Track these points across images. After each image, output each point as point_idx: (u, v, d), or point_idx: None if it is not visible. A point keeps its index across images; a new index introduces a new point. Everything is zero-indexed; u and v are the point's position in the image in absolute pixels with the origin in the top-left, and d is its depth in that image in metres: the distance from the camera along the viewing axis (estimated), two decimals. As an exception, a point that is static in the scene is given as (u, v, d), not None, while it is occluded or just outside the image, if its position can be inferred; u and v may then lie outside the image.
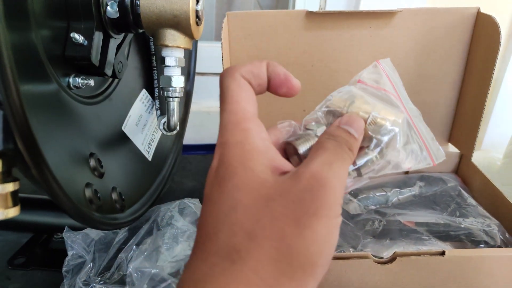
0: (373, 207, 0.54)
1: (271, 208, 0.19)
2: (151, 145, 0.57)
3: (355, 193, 0.55)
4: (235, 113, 0.22)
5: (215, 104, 0.91)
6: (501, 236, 0.46)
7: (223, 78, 0.23)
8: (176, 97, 0.43)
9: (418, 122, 0.25)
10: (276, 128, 0.25)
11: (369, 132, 0.22)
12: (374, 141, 0.22)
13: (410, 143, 0.23)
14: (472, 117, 0.59)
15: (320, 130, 0.24)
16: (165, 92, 0.43)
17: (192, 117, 1.00)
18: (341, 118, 0.22)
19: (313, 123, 0.24)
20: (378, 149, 0.22)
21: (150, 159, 0.56)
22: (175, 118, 0.45)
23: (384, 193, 0.55)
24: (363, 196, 0.55)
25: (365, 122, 0.22)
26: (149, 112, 0.58)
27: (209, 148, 0.89)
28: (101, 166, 0.41)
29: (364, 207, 0.54)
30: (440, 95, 0.63)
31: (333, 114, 0.23)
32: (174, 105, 0.44)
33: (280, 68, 0.24)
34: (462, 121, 0.62)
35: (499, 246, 0.45)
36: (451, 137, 0.65)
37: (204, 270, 0.18)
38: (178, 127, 0.47)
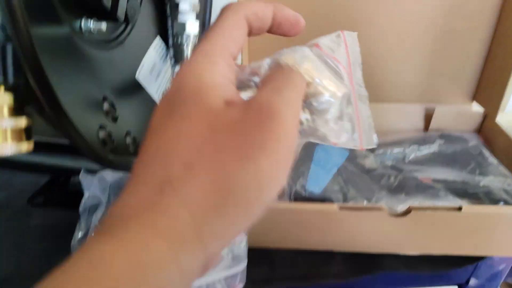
0: (389, 162, 0.53)
1: (215, 139, 0.18)
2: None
3: (371, 149, 0.54)
4: (213, 44, 0.20)
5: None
6: (521, 195, 0.45)
7: (226, 10, 0.21)
8: (191, 44, 0.42)
9: (362, 103, 0.24)
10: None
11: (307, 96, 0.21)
12: (309, 104, 0.22)
13: (343, 120, 0.22)
14: (500, 76, 0.56)
15: None
16: (179, 39, 0.42)
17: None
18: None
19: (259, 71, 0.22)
20: (308, 114, 0.21)
21: (164, 108, 0.56)
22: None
23: (402, 149, 0.54)
24: (380, 152, 0.54)
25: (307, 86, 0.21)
26: (164, 60, 0.57)
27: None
28: (115, 110, 0.41)
29: (380, 163, 0.53)
30: (468, 52, 0.59)
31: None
32: (188, 52, 0.43)
33: (288, 11, 0.22)
34: (489, 79, 0.59)
35: (519, 204, 0.44)
36: (476, 95, 0.63)
37: (133, 204, 0.17)
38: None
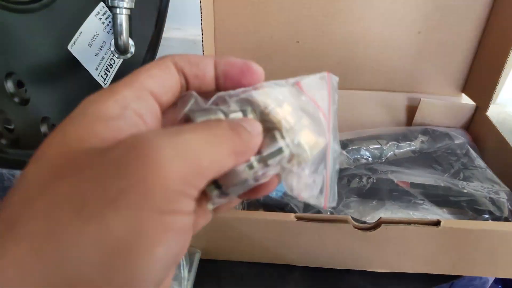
0: (364, 161, 0.47)
1: (54, 190, 0.12)
2: (108, 71, 0.48)
3: (344, 144, 0.47)
4: (126, 79, 0.16)
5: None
6: (510, 207, 0.39)
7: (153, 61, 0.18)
8: (125, 8, 0.34)
9: (332, 155, 0.21)
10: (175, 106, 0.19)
11: (283, 135, 0.18)
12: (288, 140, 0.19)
13: (316, 174, 0.20)
14: (493, 64, 0.49)
15: (235, 116, 0.18)
16: (110, 1, 0.34)
17: (175, 46, 0.89)
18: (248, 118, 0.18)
19: (231, 104, 0.18)
20: (289, 142, 0.18)
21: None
22: (124, 36, 0.36)
23: (379, 146, 0.47)
24: (354, 147, 0.47)
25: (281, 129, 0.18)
26: (109, 31, 0.48)
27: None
28: (25, 90, 0.33)
29: (353, 161, 0.46)
30: (460, 35, 0.52)
31: (252, 106, 0.19)
32: (122, 18, 0.35)
33: (233, 58, 0.19)
34: (481, 68, 0.52)
35: (506, 218, 0.38)
36: (466, 87, 0.56)
37: None
38: (131, 49, 0.38)
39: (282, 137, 0.18)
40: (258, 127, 0.17)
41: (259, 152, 0.18)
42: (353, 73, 0.55)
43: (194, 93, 0.19)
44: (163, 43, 0.94)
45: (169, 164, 0.13)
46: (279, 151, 0.18)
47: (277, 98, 0.19)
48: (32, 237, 0.12)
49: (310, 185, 0.20)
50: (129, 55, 0.40)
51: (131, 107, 0.15)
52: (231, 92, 0.19)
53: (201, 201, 0.18)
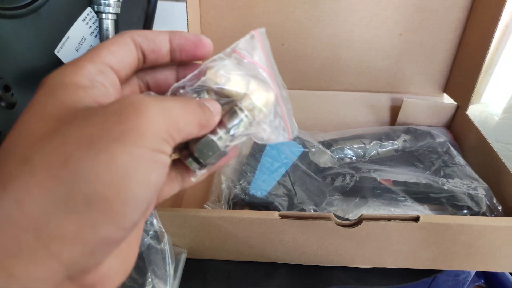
0: (348, 160, 0.48)
1: (64, 132, 0.15)
2: (96, 75, 0.48)
3: (328, 144, 0.48)
4: (84, 54, 0.19)
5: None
6: (487, 202, 0.40)
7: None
8: (111, 13, 0.35)
9: (282, 96, 0.25)
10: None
11: (241, 107, 0.22)
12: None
13: (276, 119, 0.24)
14: (472, 64, 0.50)
15: None
16: (96, 6, 0.34)
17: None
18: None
19: (188, 92, 0.22)
20: (247, 112, 0.22)
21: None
22: (110, 41, 0.36)
23: (363, 145, 0.49)
24: (338, 147, 0.48)
25: (238, 100, 0.22)
26: (96, 35, 0.49)
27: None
28: (12, 94, 0.33)
29: (337, 160, 0.47)
30: (440, 36, 0.54)
31: (206, 89, 0.22)
32: (108, 23, 0.36)
33: (186, 33, 0.22)
34: (462, 68, 0.54)
35: (484, 213, 0.39)
36: (447, 87, 0.57)
37: None
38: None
39: (241, 109, 0.22)
40: (218, 108, 0.21)
41: (224, 125, 0.22)
42: (338, 75, 0.56)
43: (151, 93, 0.22)
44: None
45: (157, 119, 0.16)
46: (240, 121, 0.22)
47: (224, 75, 0.21)
48: (49, 167, 0.15)
49: (274, 129, 0.24)
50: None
51: (96, 80, 0.18)
52: (182, 82, 0.22)
53: (171, 175, 0.22)
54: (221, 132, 0.21)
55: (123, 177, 0.15)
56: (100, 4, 0.33)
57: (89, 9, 0.47)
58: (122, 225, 0.16)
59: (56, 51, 0.42)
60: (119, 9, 0.34)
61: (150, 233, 0.36)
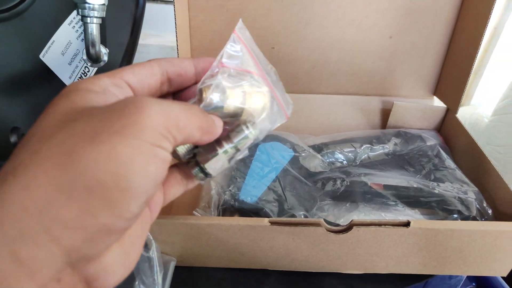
0: (338, 164, 0.48)
1: (70, 127, 0.17)
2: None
3: (319, 148, 0.48)
4: (109, 72, 0.21)
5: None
6: (477, 205, 0.40)
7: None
8: (96, 17, 0.34)
9: (272, 81, 0.26)
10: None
11: (246, 124, 0.24)
12: (249, 125, 0.24)
13: (273, 106, 0.25)
14: (462, 66, 0.50)
15: None
16: (80, 10, 0.34)
17: (153, 53, 0.89)
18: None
19: None
20: (251, 129, 0.24)
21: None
22: (96, 46, 0.36)
23: (353, 149, 0.48)
24: (328, 151, 0.48)
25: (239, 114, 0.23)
26: (83, 39, 0.48)
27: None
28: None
29: (327, 164, 0.47)
30: (430, 39, 0.54)
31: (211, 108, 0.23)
32: (93, 27, 0.35)
33: (209, 57, 0.24)
34: (451, 70, 0.54)
35: (474, 217, 0.39)
36: (437, 90, 0.57)
37: None
38: (104, 58, 0.38)
39: (246, 126, 0.23)
40: (220, 121, 0.23)
41: (231, 140, 0.23)
42: (328, 78, 0.56)
43: None
44: (141, 49, 0.93)
45: (156, 115, 0.17)
46: (245, 137, 0.23)
47: (219, 95, 0.22)
48: (55, 157, 0.16)
49: (272, 117, 0.25)
50: (102, 64, 0.40)
51: (109, 90, 0.20)
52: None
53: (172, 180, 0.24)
54: (227, 146, 0.23)
55: (122, 167, 0.16)
56: (85, 8, 0.33)
57: (75, 12, 0.47)
58: (121, 214, 0.16)
59: (41, 56, 0.42)
60: (104, 12, 0.34)
61: (138, 241, 0.35)
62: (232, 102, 0.23)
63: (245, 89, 0.23)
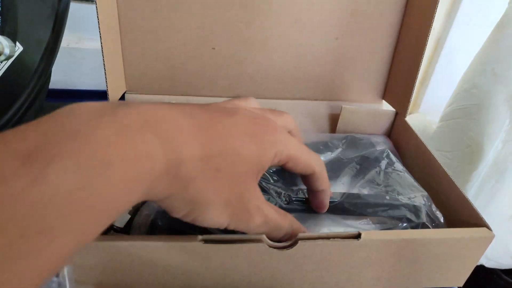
0: (286, 175, 0.44)
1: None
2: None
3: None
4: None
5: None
6: (427, 210, 0.38)
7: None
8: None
9: None
10: None
11: None
12: None
13: None
14: (408, 71, 0.49)
15: None
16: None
17: (87, 58, 0.82)
18: None
19: None
20: None
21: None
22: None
23: (301, 155, 0.45)
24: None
25: None
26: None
27: (81, 96, 0.72)
28: None
29: (273, 172, 0.43)
30: (376, 42, 0.52)
31: None
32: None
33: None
34: (398, 75, 0.52)
35: (424, 223, 0.37)
36: (386, 94, 0.56)
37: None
38: (5, 50, 0.32)
39: None
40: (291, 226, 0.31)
41: None
42: (274, 82, 0.53)
43: None
44: (75, 54, 0.86)
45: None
46: None
47: None
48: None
49: None
50: (3, 57, 0.33)
51: None
52: None
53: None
54: None
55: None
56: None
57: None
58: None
59: None
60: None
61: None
62: None
63: None
